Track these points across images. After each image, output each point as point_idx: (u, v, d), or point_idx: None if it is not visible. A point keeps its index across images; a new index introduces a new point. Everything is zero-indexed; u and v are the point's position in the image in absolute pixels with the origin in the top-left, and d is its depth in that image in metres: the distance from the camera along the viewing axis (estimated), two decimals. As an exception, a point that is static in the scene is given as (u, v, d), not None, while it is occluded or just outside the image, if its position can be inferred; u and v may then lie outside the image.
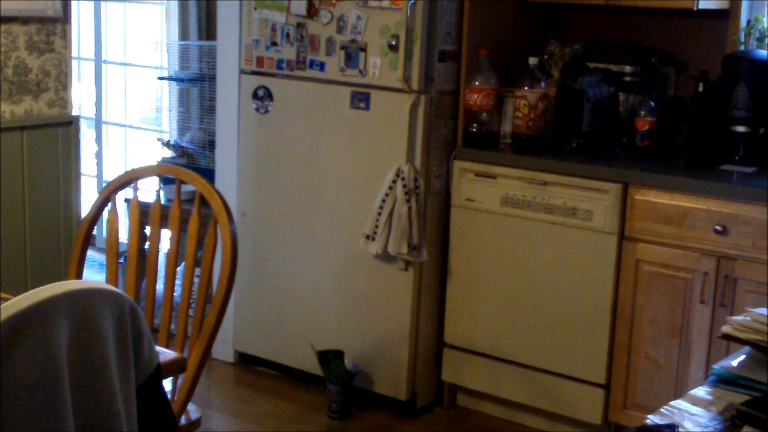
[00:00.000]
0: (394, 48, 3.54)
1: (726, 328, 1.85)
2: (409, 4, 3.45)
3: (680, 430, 1.54)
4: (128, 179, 2.67)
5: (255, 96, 3.92)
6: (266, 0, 3.78)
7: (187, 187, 3.52)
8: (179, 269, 3.77)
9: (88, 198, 4.34)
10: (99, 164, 5.76)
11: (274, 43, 3.81)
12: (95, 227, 2.76)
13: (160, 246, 2.68)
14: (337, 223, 3.80)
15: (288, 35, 3.77)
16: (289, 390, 3.97)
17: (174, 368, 2.08)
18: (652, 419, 1.58)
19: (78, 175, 3.96)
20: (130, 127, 5.88)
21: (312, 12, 3.70)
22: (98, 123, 5.73)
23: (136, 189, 2.68)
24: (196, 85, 4.73)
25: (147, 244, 2.69)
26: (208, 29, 4.98)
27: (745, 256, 3.15)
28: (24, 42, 3.66)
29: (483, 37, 3.69)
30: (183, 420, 2.45)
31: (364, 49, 3.60)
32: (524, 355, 3.60)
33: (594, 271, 3.41)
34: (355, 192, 3.73)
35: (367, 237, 3.62)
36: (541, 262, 3.52)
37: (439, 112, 3.64)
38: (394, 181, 3.56)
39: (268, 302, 4.00)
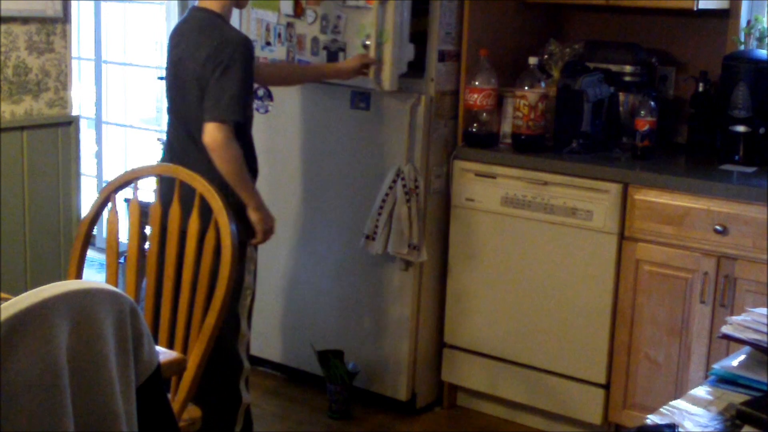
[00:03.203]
0: (366, 48, 3.48)
1: (726, 328, 1.85)
2: (380, 3, 3.40)
3: (680, 430, 1.54)
4: (128, 179, 2.67)
5: (255, 96, 3.91)
6: (261, 0, 3.77)
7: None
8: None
9: (88, 198, 4.33)
10: (99, 164, 5.76)
11: (269, 43, 3.78)
12: (95, 227, 2.76)
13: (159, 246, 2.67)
14: (337, 223, 3.80)
15: (280, 35, 3.74)
16: (289, 390, 3.97)
17: (174, 368, 2.08)
18: (652, 419, 1.58)
19: (78, 175, 3.95)
20: (130, 127, 5.88)
21: (299, 11, 3.66)
22: (98, 123, 5.73)
23: (136, 189, 2.67)
24: (196, 85, 4.72)
25: (147, 244, 2.69)
26: (208, 29, 4.96)
27: (745, 256, 3.15)
28: (24, 42, 3.66)
29: (483, 37, 3.69)
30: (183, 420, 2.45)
31: (343, 49, 3.56)
32: (524, 355, 3.60)
33: (594, 271, 3.41)
34: (355, 192, 3.73)
35: (367, 237, 3.62)
36: (541, 262, 3.52)
37: (439, 112, 3.64)
38: (394, 181, 3.55)
39: (268, 302, 4.00)
